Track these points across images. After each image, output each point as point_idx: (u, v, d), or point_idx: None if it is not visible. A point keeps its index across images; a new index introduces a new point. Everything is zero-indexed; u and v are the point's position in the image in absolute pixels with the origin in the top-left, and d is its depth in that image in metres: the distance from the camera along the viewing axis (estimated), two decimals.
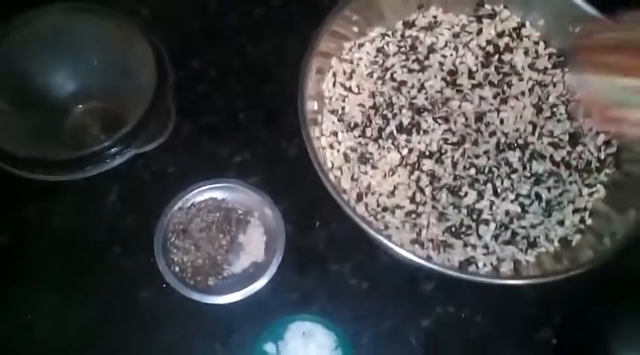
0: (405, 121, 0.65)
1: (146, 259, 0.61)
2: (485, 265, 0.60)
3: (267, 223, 0.63)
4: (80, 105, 0.68)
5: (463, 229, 0.61)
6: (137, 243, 0.62)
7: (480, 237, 0.61)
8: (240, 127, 0.70)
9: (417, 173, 0.63)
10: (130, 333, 0.61)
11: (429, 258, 0.60)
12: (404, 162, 0.64)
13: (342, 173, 0.64)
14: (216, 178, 0.65)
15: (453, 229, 0.61)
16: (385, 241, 0.55)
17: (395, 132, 0.65)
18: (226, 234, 0.62)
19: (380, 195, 0.63)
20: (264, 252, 0.63)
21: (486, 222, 0.61)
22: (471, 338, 0.61)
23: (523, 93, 0.68)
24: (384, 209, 0.62)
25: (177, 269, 0.61)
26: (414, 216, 0.62)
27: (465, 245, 0.61)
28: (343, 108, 0.67)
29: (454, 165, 0.64)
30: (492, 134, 0.66)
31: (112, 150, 0.59)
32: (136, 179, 0.66)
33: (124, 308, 0.61)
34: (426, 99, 0.67)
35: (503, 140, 0.65)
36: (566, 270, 0.57)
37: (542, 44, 0.70)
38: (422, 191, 0.63)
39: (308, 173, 0.58)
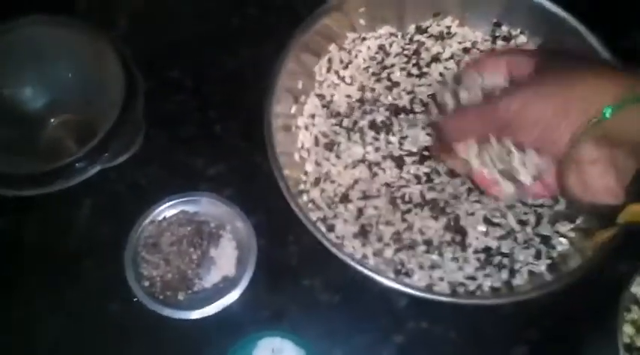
0: (379, 119, 0.65)
1: (117, 273, 0.60)
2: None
3: (238, 237, 0.63)
4: (53, 119, 0.67)
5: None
6: (109, 256, 0.61)
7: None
8: (216, 139, 0.69)
9: (376, 172, 0.63)
10: (100, 347, 0.60)
11: (398, 276, 0.59)
12: (365, 159, 0.63)
13: (308, 155, 0.64)
14: (190, 191, 0.64)
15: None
16: (356, 265, 0.54)
17: (366, 127, 0.64)
18: (197, 248, 0.62)
19: (339, 185, 0.63)
20: (235, 267, 0.62)
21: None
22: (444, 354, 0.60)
23: None
24: (341, 200, 0.62)
25: (147, 283, 0.60)
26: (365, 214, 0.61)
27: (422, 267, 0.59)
28: (332, 95, 0.67)
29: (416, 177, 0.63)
30: None
31: (81, 163, 0.59)
32: (109, 192, 0.66)
33: (94, 322, 0.61)
34: (411, 101, 0.66)
35: None
36: (544, 287, 0.56)
37: None
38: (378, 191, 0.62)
39: (283, 187, 0.57)
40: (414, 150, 0.63)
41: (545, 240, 0.61)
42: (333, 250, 0.54)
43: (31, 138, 0.66)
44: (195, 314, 0.59)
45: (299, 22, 0.65)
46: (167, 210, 0.63)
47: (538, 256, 0.60)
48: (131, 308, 0.60)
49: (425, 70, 0.68)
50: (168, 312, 0.59)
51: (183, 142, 0.69)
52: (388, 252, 0.60)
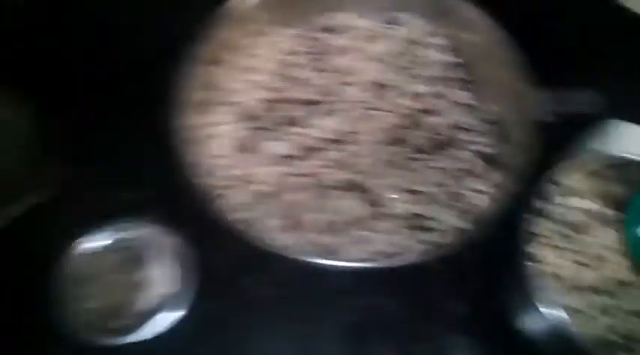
0: (293, 114, 0.67)
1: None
2: None
3: (170, 254, 0.62)
4: None
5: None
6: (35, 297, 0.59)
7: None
8: (125, 163, 0.68)
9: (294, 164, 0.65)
10: None
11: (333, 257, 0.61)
12: (282, 154, 0.66)
13: (225, 160, 0.65)
14: (109, 219, 0.63)
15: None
16: (292, 255, 0.56)
17: (278, 124, 0.67)
18: (132, 273, 0.61)
19: (259, 183, 0.64)
20: (174, 284, 0.61)
21: None
22: (389, 323, 0.63)
23: None
24: (264, 197, 0.64)
25: (84, 318, 0.58)
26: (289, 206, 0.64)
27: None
28: (240, 99, 0.69)
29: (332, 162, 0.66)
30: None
31: None
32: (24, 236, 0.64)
33: None
34: (319, 94, 0.69)
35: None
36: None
37: None
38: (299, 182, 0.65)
39: (203, 195, 0.58)
40: (325, 137, 0.67)
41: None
42: (266, 247, 0.56)
43: None
44: (144, 335, 0.58)
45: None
46: (91, 242, 0.62)
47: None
48: (72, 347, 0.58)
49: (330, 64, 0.71)
50: (113, 341, 0.57)
51: (91, 174, 0.68)
52: (317, 238, 0.62)
